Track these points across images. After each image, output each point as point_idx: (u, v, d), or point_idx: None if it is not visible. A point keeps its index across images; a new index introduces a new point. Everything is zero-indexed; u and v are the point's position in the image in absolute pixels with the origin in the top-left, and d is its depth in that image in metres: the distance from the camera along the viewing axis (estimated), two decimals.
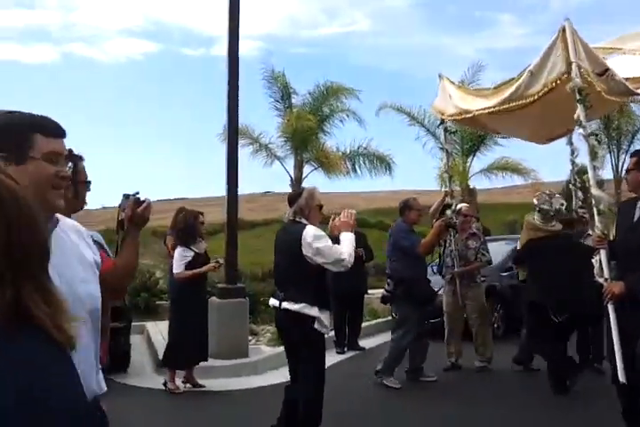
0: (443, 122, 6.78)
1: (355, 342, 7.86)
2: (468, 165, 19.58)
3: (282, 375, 6.44)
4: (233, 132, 7.29)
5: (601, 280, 4.11)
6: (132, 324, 7.16)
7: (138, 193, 2.39)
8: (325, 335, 4.02)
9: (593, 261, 4.51)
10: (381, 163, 19.34)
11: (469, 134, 18.31)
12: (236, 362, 6.48)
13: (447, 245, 6.70)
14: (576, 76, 4.52)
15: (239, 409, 5.26)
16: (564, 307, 5.57)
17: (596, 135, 4.53)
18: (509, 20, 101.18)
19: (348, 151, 19.44)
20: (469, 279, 6.65)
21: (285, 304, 3.91)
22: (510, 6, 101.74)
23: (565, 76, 4.65)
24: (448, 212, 6.32)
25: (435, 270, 6.97)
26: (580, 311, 5.51)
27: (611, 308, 3.87)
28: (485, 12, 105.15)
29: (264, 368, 6.60)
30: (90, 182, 2.47)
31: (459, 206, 6.80)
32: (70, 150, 2.73)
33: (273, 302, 4.08)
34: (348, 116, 18.99)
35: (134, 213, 2.31)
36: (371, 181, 19.39)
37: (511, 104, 5.28)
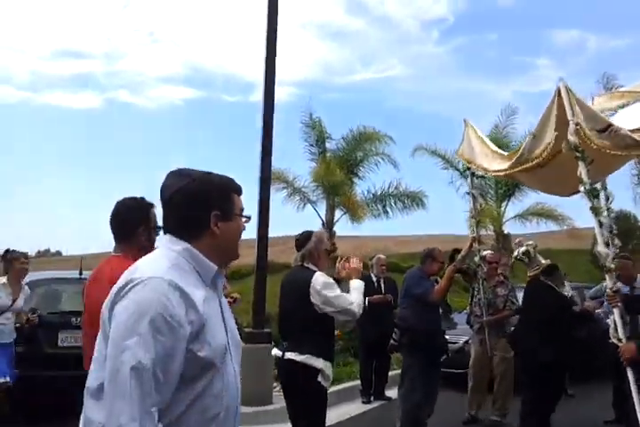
0: (469, 168, 6.79)
1: (381, 392, 7.66)
2: (502, 209, 19.41)
3: None
4: (265, 176, 7.38)
5: (615, 341, 3.96)
6: None
7: None
8: (327, 389, 3.85)
9: (608, 320, 4.37)
10: (413, 201, 19.23)
11: (502, 180, 18.16)
12: (259, 409, 6.38)
13: (475, 293, 6.56)
14: (571, 134, 4.50)
15: None
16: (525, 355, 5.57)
17: (595, 190, 4.46)
18: (546, 63, 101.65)
19: (379, 193, 19.43)
20: (498, 329, 6.46)
21: (289, 355, 3.77)
22: (547, 50, 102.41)
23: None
24: (458, 256, 6.15)
25: (465, 320, 6.82)
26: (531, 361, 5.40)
27: (629, 371, 3.72)
28: (523, 58, 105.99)
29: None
30: (160, 228, 2.64)
31: (483, 253, 6.68)
32: (142, 198, 2.89)
33: (276, 352, 3.97)
34: (383, 159, 19.08)
35: None
36: (404, 226, 19.34)
37: (520, 167, 5.31)
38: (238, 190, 1.90)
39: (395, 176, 21.40)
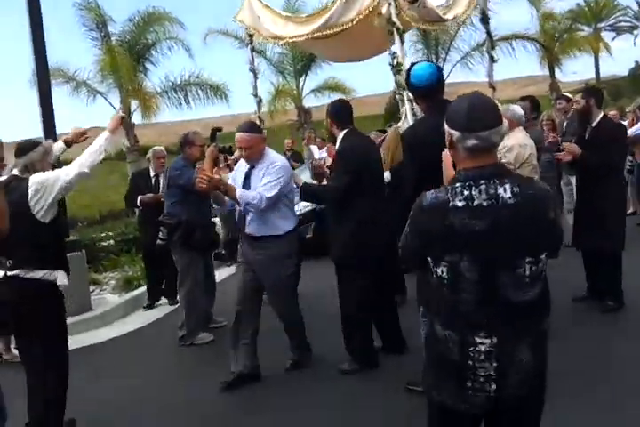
0: (251, 42, 6.59)
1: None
2: (301, 85, 19.74)
3: (130, 324, 6.36)
4: (42, 74, 6.52)
5: None
6: None
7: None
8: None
9: None
10: (216, 92, 18.86)
11: (300, 54, 18.28)
12: (80, 318, 6.20)
13: None
14: (388, 4, 4.56)
15: (93, 363, 5.04)
16: None
17: (399, 66, 4.67)
18: None
19: (179, 81, 18.75)
20: None
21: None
22: None
23: (377, 2, 4.69)
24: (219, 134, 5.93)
25: None
26: None
27: None
28: None
29: (112, 319, 6.44)
30: None
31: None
32: None
33: None
34: (175, 44, 18.19)
35: None
36: (208, 107, 18.97)
37: (326, 31, 5.28)
38: None
39: (194, 65, 20.67)
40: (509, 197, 1.84)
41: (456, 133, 1.91)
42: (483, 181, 1.86)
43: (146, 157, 7.01)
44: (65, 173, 3.50)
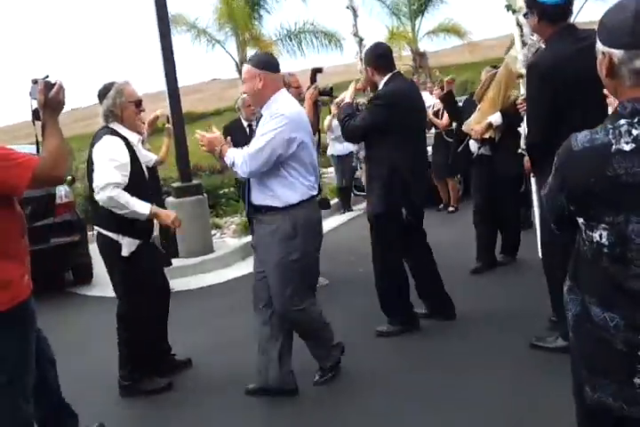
0: None
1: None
2: (416, 27, 19.01)
3: (248, 267, 6.49)
4: (163, 21, 6.65)
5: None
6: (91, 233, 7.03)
7: (47, 76, 2.31)
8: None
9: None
10: (330, 40, 18.59)
11: None
12: (202, 259, 6.50)
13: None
14: None
15: (214, 303, 5.29)
16: None
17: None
18: None
19: (293, 29, 18.62)
20: None
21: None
22: None
23: None
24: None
25: None
26: None
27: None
28: None
29: (231, 261, 6.66)
30: None
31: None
32: None
33: None
34: None
35: (47, 97, 2.27)
36: (321, 57, 18.77)
37: None
38: None
39: (307, 13, 20.48)
40: None
41: (618, 53, 1.45)
42: None
43: (235, 106, 6.66)
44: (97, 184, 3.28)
